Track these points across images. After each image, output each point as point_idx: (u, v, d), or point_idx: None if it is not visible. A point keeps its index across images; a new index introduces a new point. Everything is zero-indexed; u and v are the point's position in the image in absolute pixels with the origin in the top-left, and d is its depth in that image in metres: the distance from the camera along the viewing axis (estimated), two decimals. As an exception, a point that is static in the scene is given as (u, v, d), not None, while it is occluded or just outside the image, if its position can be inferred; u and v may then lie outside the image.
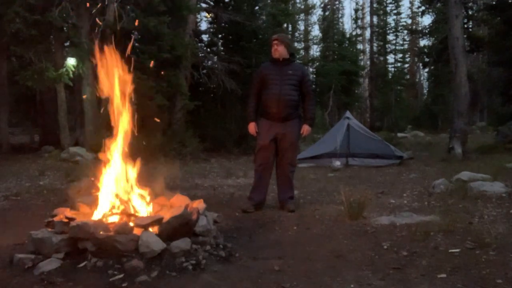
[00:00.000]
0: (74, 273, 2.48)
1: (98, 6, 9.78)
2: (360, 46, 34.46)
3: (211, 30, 15.09)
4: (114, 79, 3.06)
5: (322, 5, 34.07)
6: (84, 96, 10.33)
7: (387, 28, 30.88)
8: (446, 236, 3.24)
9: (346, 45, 28.12)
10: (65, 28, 10.49)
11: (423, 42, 30.45)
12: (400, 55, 31.92)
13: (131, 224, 2.78)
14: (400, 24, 31.06)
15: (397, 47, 31.40)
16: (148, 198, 3.21)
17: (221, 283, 2.42)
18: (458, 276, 2.48)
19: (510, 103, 14.40)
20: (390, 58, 32.10)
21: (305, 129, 4.48)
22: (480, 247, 2.91)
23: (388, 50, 31.57)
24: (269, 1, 16.29)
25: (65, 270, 2.52)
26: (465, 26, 15.17)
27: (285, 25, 20.16)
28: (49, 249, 2.65)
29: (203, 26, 16.33)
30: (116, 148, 3.15)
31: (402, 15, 32.27)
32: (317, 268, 2.68)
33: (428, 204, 4.60)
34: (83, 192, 3.26)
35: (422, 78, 39.86)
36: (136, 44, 10.52)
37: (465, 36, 12.28)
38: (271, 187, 4.76)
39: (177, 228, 2.80)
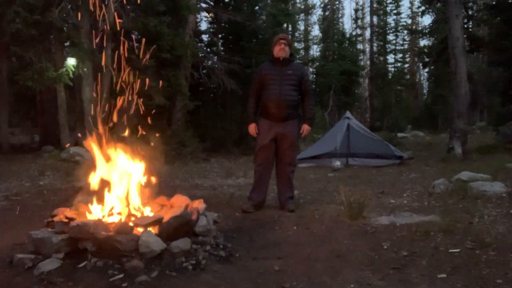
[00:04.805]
0: (74, 273, 2.48)
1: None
2: (360, 46, 34.45)
3: (211, 30, 15.10)
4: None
5: (322, 5, 34.12)
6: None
7: (387, 28, 30.85)
8: (446, 236, 3.24)
9: (346, 45, 28.09)
10: (65, 28, 10.49)
11: (423, 42, 30.49)
12: (400, 55, 31.92)
13: (131, 224, 2.78)
14: (400, 24, 31.03)
15: (397, 47, 31.38)
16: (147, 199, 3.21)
17: (221, 283, 2.42)
18: (458, 276, 2.48)
19: (510, 103, 14.40)
20: (390, 58, 32.11)
21: (305, 128, 4.47)
22: (480, 247, 2.91)
23: (388, 50, 31.55)
24: (269, 1, 16.29)
25: (65, 270, 2.51)
26: (465, 26, 15.16)
27: (285, 25, 20.13)
28: (49, 249, 2.65)
29: (203, 26, 16.35)
30: (116, 148, 3.15)
31: (402, 15, 32.27)
32: (317, 268, 2.68)
33: (428, 204, 4.60)
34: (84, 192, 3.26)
35: (422, 78, 39.92)
36: (136, 44, 10.51)
37: (465, 36, 12.28)
38: (271, 187, 4.76)
39: (177, 228, 2.80)
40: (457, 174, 5.83)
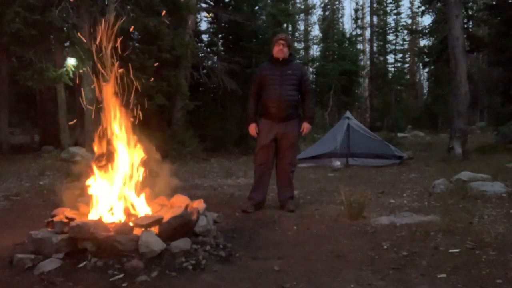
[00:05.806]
0: (74, 273, 2.48)
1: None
2: (360, 46, 34.45)
3: (211, 30, 15.10)
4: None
5: (322, 5, 34.11)
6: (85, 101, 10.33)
7: (387, 28, 30.87)
8: (446, 236, 3.24)
9: (346, 45, 28.07)
10: (65, 28, 10.49)
11: (423, 42, 30.54)
12: (400, 55, 31.96)
13: (131, 224, 2.78)
14: (400, 24, 31.08)
15: (397, 47, 31.42)
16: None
17: (221, 283, 2.42)
18: (458, 276, 2.48)
19: (510, 103, 14.40)
20: (390, 58, 32.16)
21: (305, 126, 4.48)
22: (480, 247, 2.91)
23: (388, 50, 31.57)
24: (269, 1, 16.29)
25: (65, 270, 2.51)
26: (465, 26, 15.16)
27: (285, 25, 20.13)
28: (49, 249, 2.65)
29: (203, 26, 16.35)
30: (115, 147, 3.15)
31: (402, 15, 32.32)
32: (317, 268, 2.68)
33: (428, 204, 4.60)
34: (83, 192, 3.25)
35: (422, 78, 39.96)
36: (136, 44, 10.53)
37: (465, 36, 12.28)
38: (271, 187, 4.76)
39: (177, 228, 2.80)
40: (457, 174, 5.83)
